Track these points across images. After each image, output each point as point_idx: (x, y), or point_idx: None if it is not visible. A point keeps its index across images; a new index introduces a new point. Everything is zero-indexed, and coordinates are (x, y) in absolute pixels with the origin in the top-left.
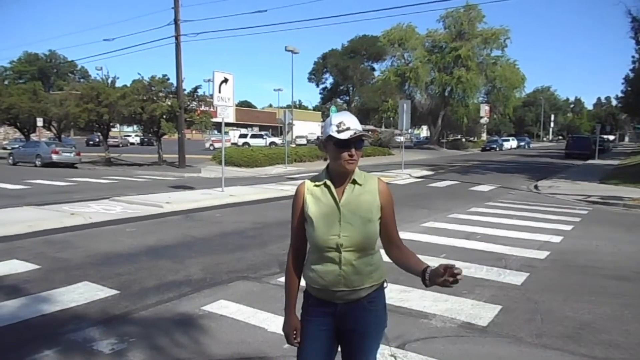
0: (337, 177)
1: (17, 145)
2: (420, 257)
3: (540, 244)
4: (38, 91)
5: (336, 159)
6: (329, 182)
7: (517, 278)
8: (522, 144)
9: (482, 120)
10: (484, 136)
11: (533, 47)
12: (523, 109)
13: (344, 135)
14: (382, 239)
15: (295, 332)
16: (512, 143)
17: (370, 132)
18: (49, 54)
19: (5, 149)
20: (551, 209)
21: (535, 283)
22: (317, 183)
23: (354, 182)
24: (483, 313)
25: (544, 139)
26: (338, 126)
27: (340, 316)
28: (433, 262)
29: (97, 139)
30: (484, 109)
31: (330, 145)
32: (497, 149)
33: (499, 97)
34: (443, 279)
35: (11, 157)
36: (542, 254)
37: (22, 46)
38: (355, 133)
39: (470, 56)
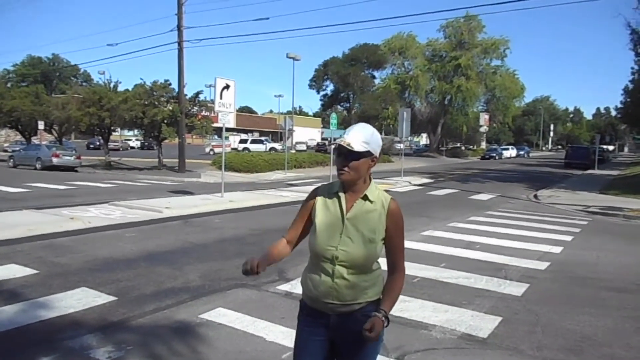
0: (347, 188)
1: (17, 148)
2: (420, 266)
3: (541, 254)
4: (40, 94)
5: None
6: (340, 193)
7: (517, 289)
8: (522, 152)
9: (482, 129)
10: (484, 145)
11: (533, 57)
12: (522, 118)
13: (333, 145)
14: (386, 259)
15: (250, 261)
16: (511, 152)
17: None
18: (52, 58)
19: (6, 151)
20: (551, 219)
21: (536, 294)
22: (330, 191)
23: (365, 197)
24: (483, 324)
25: (543, 148)
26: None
27: (333, 328)
28: (432, 271)
29: (98, 143)
30: (484, 118)
31: None
32: (497, 158)
33: (498, 106)
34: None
35: (12, 160)
36: (543, 265)
37: (25, 49)
38: (337, 141)
39: (470, 65)
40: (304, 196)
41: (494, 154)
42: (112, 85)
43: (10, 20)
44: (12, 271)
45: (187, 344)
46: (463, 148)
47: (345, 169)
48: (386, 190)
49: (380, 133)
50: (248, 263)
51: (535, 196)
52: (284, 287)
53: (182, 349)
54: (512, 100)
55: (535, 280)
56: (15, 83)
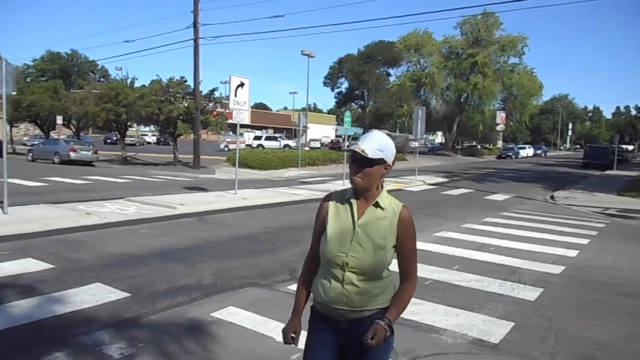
0: (359, 194)
1: (36, 142)
2: (432, 268)
3: (556, 258)
4: (59, 89)
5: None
6: (352, 199)
7: (531, 293)
8: (539, 152)
9: (498, 128)
10: (500, 143)
11: (551, 54)
12: (540, 117)
13: (348, 152)
14: (398, 267)
15: (294, 333)
16: (528, 151)
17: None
18: (71, 53)
19: (25, 145)
20: (567, 221)
21: (550, 299)
22: (342, 197)
23: (377, 204)
24: (495, 329)
25: (561, 147)
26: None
27: (343, 334)
28: (445, 274)
29: (115, 138)
30: (500, 116)
31: None
32: (513, 157)
33: (515, 105)
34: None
35: (30, 154)
36: (558, 269)
37: (45, 45)
38: (352, 148)
39: (487, 63)
40: (317, 194)
41: (511, 153)
42: (128, 81)
43: (30, 15)
44: (29, 265)
45: (198, 342)
46: (479, 147)
47: (359, 175)
48: (399, 190)
49: (395, 131)
50: (287, 337)
51: (552, 197)
52: (295, 287)
53: (193, 347)
54: (529, 98)
55: (549, 285)
56: (35, 78)
